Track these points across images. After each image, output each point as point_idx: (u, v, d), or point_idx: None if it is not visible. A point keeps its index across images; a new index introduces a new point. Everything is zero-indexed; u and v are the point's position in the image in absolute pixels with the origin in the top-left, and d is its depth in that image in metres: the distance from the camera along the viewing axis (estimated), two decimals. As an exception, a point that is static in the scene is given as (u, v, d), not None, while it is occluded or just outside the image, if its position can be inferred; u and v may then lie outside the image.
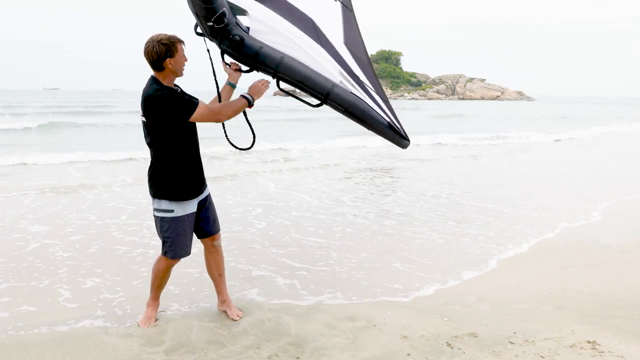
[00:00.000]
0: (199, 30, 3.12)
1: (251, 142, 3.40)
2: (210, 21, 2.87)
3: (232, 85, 3.38)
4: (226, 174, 9.46)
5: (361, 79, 3.23)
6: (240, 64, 3.21)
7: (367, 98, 3.17)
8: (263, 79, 3.20)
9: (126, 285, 4.15)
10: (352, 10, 3.18)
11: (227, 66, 3.28)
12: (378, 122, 3.07)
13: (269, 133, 18.15)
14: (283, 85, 3.12)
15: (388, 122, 3.12)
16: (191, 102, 2.97)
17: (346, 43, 3.28)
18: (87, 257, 4.81)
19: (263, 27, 3.14)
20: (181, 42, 3.02)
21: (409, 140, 3.21)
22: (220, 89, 3.31)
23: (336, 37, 3.31)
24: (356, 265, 4.74)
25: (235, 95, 3.28)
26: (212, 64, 3.20)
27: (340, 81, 3.11)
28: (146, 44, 2.97)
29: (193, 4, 2.75)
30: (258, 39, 3.09)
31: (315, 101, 3.11)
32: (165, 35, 2.98)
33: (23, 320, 3.47)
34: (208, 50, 3.17)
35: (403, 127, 3.21)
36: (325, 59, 3.18)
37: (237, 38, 3.01)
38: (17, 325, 3.35)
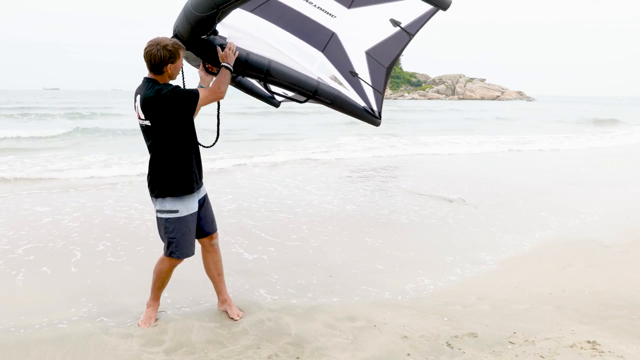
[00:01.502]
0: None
1: (214, 140, 3.47)
2: (205, 34, 2.93)
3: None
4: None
5: (360, 75, 3.56)
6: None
7: (349, 88, 3.58)
8: (229, 45, 3.13)
9: (131, 250, 5.02)
10: (412, 35, 3.31)
11: (204, 69, 3.27)
12: (356, 108, 3.57)
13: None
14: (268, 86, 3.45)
15: (363, 107, 3.62)
16: (193, 91, 3.01)
17: (369, 51, 3.50)
18: (93, 226, 5.81)
19: (237, 34, 3.25)
20: (183, 48, 3.01)
21: (380, 119, 3.68)
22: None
23: (357, 46, 3.55)
24: (328, 239, 5.45)
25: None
26: (183, 74, 3.24)
27: (319, 77, 3.41)
28: (149, 46, 2.93)
29: (201, 18, 2.73)
30: (238, 45, 3.19)
31: (301, 98, 3.48)
32: (170, 40, 2.96)
33: (41, 278, 4.22)
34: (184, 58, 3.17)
35: (381, 109, 3.67)
36: (303, 56, 3.42)
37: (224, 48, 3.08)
38: (20, 319, 3.36)
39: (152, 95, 2.92)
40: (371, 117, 3.64)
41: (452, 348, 3.04)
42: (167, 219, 3.15)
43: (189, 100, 2.97)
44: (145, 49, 2.95)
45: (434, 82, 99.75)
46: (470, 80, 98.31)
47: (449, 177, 9.74)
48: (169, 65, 2.95)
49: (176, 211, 3.12)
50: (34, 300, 3.79)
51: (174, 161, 3.07)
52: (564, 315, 3.58)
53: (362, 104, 3.62)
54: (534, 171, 10.88)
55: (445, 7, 2.78)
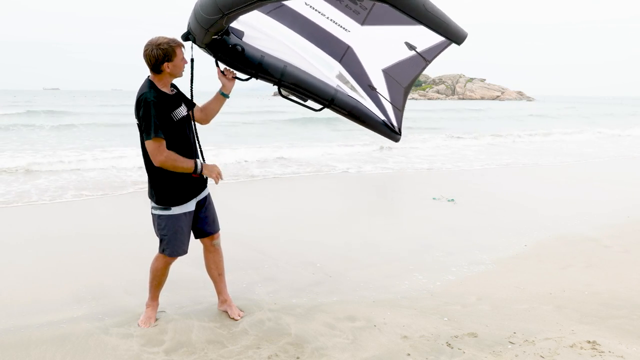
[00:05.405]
0: (189, 36, 3.04)
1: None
2: (217, 35, 2.87)
3: (224, 96, 3.31)
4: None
5: (378, 90, 3.42)
6: (236, 72, 3.19)
7: (367, 99, 3.39)
8: (217, 169, 3.17)
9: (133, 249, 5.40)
10: (428, 62, 3.16)
11: (222, 74, 3.22)
12: (374, 121, 3.44)
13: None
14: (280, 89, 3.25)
15: (382, 121, 3.48)
16: (155, 128, 2.90)
17: (386, 70, 3.36)
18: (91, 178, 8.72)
19: (256, 33, 3.18)
20: (180, 45, 3.00)
21: (400, 135, 3.56)
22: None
23: (374, 63, 3.39)
24: (328, 239, 4.82)
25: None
26: (192, 74, 3.13)
27: (338, 85, 3.27)
28: (146, 46, 2.96)
29: (208, 21, 2.65)
30: (254, 46, 3.12)
31: (317, 105, 3.29)
32: (165, 39, 2.96)
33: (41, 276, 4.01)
34: (192, 60, 3.09)
35: (401, 125, 3.52)
36: (321, 62, 3.27)
37: (239, 48, 3.03)
38: (20, 319, 3.36)
39: (137, 97, 2.97)
40: (390, 131, 3.47)
41: (452, 348, 3.04)
42: (159, 216, 3.16)
43: (146, 126, 2.92)
44: (143, 50, 2.98)
45: (434, 82, 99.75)
46: (470, 80, 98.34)
47: (449, 179, 9.75)
48: (165, 64, 2.96)
49: (169, 208, 3.14)
50: (34, 300, 3.79)
51: (164, 173, 3.05)
52: (564, 315, 3.58)
53: (381, 117, 3.47)
54: (532, 172, 10.88)
55: (459, 41, 2.56)
